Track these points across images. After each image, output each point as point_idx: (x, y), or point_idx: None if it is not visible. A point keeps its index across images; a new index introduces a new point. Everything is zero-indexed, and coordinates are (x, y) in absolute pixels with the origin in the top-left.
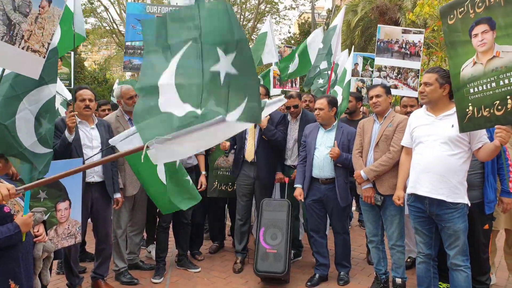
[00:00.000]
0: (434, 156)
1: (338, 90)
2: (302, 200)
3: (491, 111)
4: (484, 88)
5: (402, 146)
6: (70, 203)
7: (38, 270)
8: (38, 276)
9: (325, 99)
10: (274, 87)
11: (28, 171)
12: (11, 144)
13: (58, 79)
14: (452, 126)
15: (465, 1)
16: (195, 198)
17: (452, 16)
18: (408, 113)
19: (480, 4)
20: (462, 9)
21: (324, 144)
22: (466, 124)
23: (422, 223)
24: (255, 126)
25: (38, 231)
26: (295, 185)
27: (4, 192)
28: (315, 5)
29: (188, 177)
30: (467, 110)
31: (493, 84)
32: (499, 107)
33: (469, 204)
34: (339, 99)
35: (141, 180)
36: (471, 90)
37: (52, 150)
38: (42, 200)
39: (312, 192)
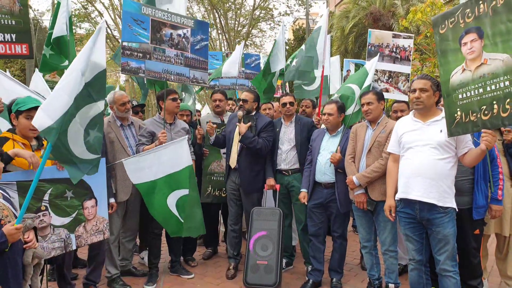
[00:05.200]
0: (425, 161)
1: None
2: (306, 204)
3: (478, 116)
4: (472, 94)
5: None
6: (96, 201)
7: (29, 277)
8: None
9: (335, 104)
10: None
11: (73, 172)
12: (64, 153)
13: (48, 87)
14: (441, 131)
15: (456, 11)
16: (198, 231)
17: (443, 26)
18: (398, 118)
19: (469, 15)
20: (453, 19)
21: (328, 149)
22: (454, 129)
23: (412, 229)
24: (239, 133)
25: (28, 237)
26: (301, 189)
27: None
28: (309, 11)
29: (200, 209)
30: (456, 115)
31: (481, 90)
32: (486, 112)
33: (457, 209)
34: (352, 107)
35: (152, 210)
36: (460, 96)
37: (99, 155)
38: (69, 199)
39: (314, 196)
